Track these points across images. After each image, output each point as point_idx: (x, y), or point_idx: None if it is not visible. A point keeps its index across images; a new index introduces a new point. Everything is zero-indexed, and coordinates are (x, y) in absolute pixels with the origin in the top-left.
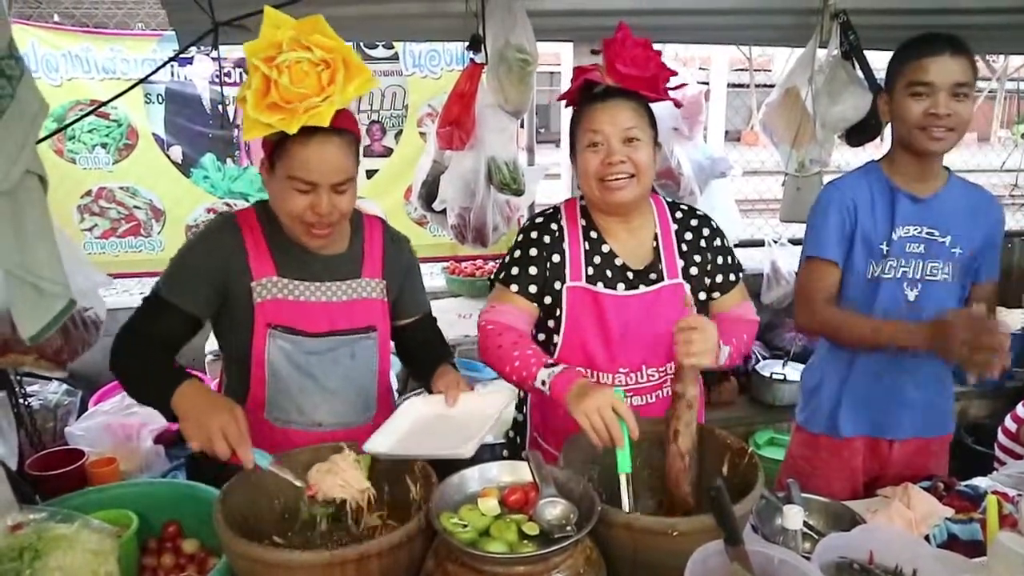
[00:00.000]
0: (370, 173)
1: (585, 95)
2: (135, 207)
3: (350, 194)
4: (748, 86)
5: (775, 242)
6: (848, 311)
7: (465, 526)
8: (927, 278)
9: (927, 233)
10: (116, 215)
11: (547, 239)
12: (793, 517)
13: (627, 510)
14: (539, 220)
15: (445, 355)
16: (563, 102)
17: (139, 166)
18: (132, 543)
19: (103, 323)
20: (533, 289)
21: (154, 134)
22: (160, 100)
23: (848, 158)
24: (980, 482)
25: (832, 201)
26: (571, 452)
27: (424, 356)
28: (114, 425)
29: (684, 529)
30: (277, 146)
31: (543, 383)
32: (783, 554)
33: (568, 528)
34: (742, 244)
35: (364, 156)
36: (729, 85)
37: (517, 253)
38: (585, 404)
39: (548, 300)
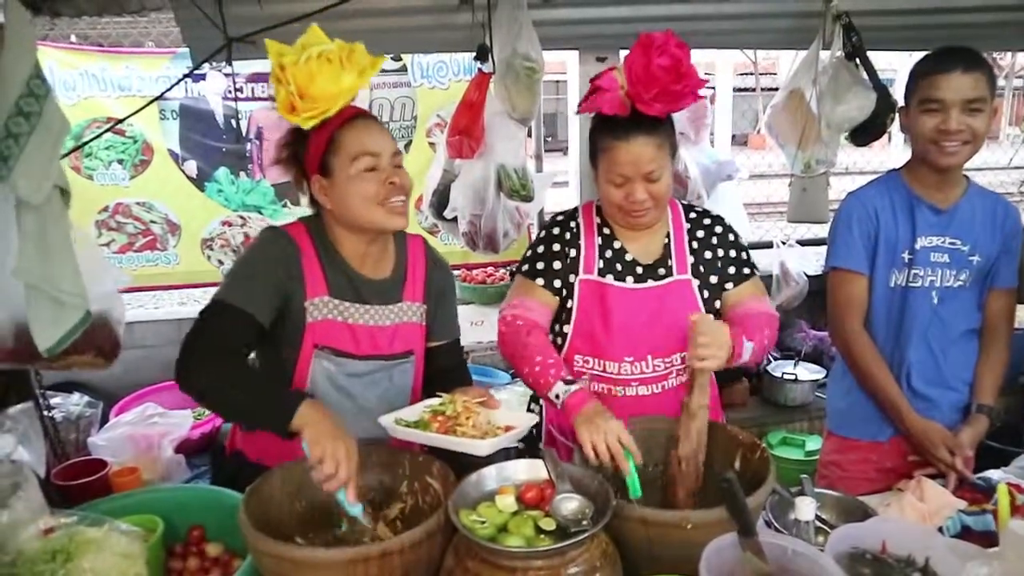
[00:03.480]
0: None
1: (604, 118)
2: (151, 222)
3: (405, 170)
4: (754, 90)
5: (783, 243)
6: (874, 352)
7: (483, 522)
8: (945, 285)
9: (950, 243)
10: (133, 230)
11: (568, 235)
12: (805, 508)
13: None
14: (560, 218)
15: (468, 384)
16: (573, 109)
17: (155, 181)
18: (158, 547)
19: (123, 324)
20: (557, 284)
21: (169, 149)
22: (174, 116)
23: (855, 158)
24: (993, 474)
25: (854, 211)
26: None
27: (448, 381)
28: (136, 435)
29: (698, 522)
30: (325, 147)
31: (557, 397)
32: (796, 545)
33: (584, 523)
34: (751, 247)
35: None
36: (735, 89)
37: (541, 248)
38: (592, 432)
39: (564, 293)
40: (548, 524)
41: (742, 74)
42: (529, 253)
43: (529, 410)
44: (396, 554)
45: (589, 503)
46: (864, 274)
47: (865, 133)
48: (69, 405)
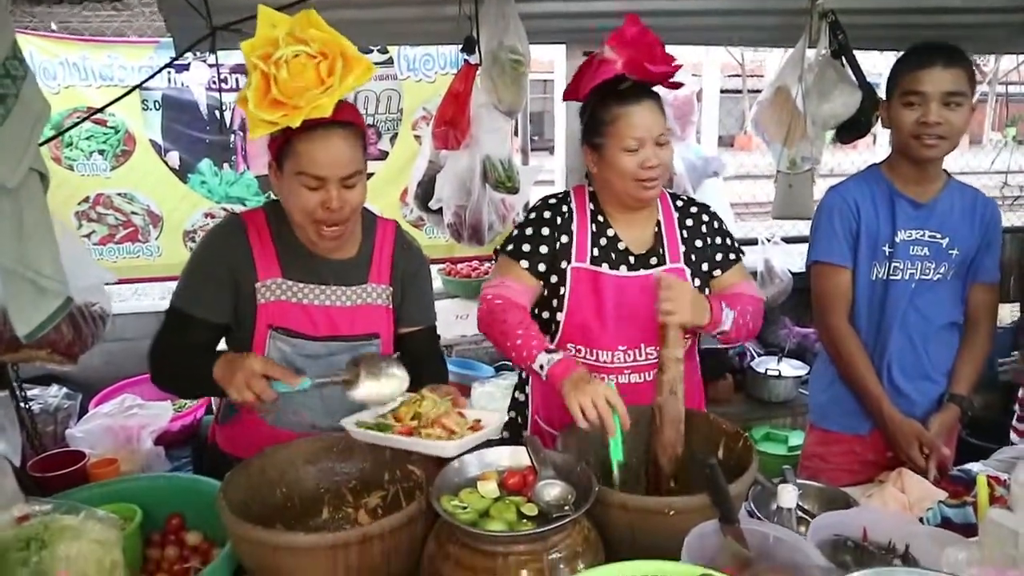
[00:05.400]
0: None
1: (609, 90)
2: (133, 213)
3: (360, 188)
4: (741, 91)
5: (768, 240)
6: (857, 346)
7: (465, 508)
8: (925, 277)
9: (929, 236)
10: (114, 221)
11: (559, 220)
12: (787, 496)
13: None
14: (552, 201)
15: (442, 376)
16: (563, 101)
17: (137, 172)
18: (136, 535)
19: (109, 317)
20: (542, 267)
21: (151, 140)
22: (157, 106)
23: (840, 159)
24: (973, 467)
25: (835, 205)
26: (569, 438)
27: (420, 370)
28: (115, 427)
29: (680, 508)
30: (283, 145)
31: (541, 367)
32: (778, 531)
33: (566, 508)
34: None
35: None
36: (722, 91)
37: (529, 230)
38: (579, 394)
39: (554, 279)
40: (530, 510)
41: (729, 76)
42: (515, 233)
43: (515, 399)
44: (377, 539)
45: (571, 489)
46: (847, 267)
47: (850, 131)
48: (47, 397)
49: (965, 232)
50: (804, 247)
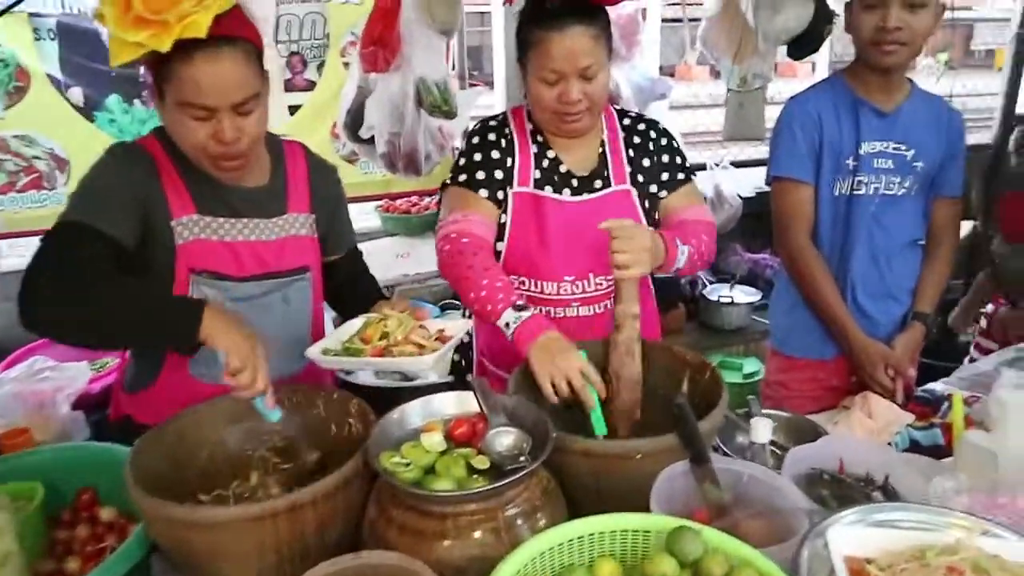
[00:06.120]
0: (292, 109)
1: (538, 5)
2: (34, 158)
3: (258, 115)
4: (680, 20)
5: (717, 165)
6: (821, 267)
7: (408, 465)
8: (889, 192)
9: (894, 148)
10: (13, 167)
11: (503, 142)
12: (761, 430)
13: None
14: (492, 123)
15: (376, 291)
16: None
17: (34, 111)
18: (38, 516)
19: None
20: (500, 195)
21: (48, 75)
22: (52, 36)
23: (780, 87)
24: (935, 387)
25: (795, 116)
26: (521, 380)
27: (354, 292)
28: (24, 392)
29: (648, 450)
30: (160, 69)
31: (507, 326)
32: (752, 469)
33: (521, 459)
34: None
35: (285, 91)
36: (663, 20)
37: (478, 155)
38: (551, 367)
39: (504, 205)
40: (481, 463)
41: (670, 4)
42: (463, 161)
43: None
44: (308, 506)
45: (526, 437)
46: (809, 183)
47: (803, 45)
48: None
49: (930, 143)
50: (753, 171)
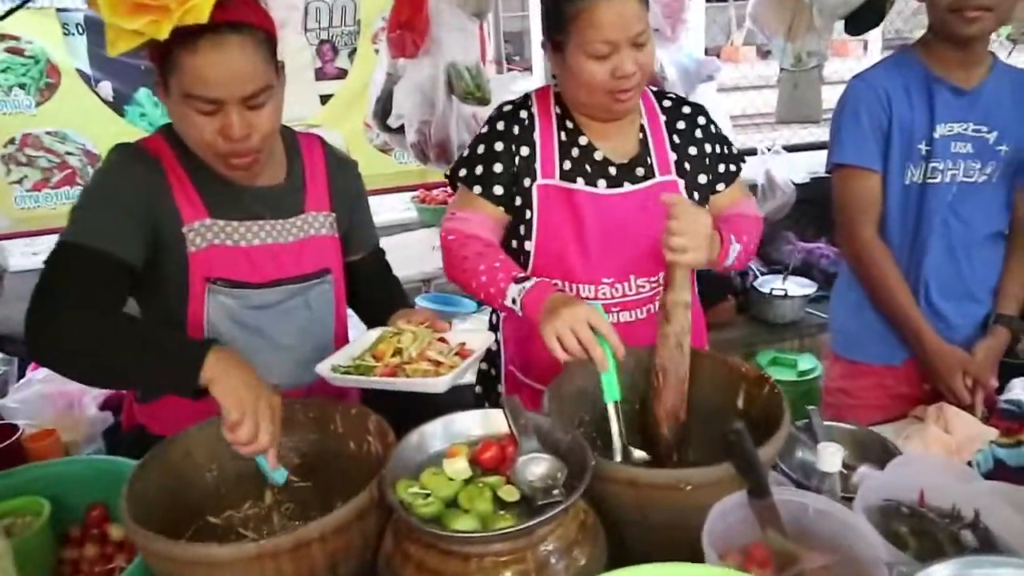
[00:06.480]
0: (324, 99)
1: None
2: (67, 154)
3: (271, 109)
4: (727, 0)
5: (769, 150)
6: (890, 264)
7: (427, 496)
8: (968, 179)
9: (974, 130)
10: (47, 164)
11: (516, 129)
12: (830, 458)
13: (617, 445)
14: (507, 108)
15: (400, 295)
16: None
17: (66, 107)
18: (45, 534)
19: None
20: (499, 190)
21: (78, 70)
22: (81, 30)
23: (836, 66)
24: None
25: (861, 97)
26: (556, 396)
27: (376, 296)
28: (52, 393)
29: (699, 481)
30: (164, 59)
31: (514, 301)
32: (820, 503)
33: (556, 491)
34: None
35: (316, 80)
36: (707, 0)
37: (481, 148)
38: (555, 322)
39: (518, 201)
40: (510, 494)
41: None
42: (466, 153)
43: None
44: (316, 543)
45: (561, 464)
46: (876, 171)
47: (862, 20)
48: None
49: (1015, 125)
50: (808, 155)
